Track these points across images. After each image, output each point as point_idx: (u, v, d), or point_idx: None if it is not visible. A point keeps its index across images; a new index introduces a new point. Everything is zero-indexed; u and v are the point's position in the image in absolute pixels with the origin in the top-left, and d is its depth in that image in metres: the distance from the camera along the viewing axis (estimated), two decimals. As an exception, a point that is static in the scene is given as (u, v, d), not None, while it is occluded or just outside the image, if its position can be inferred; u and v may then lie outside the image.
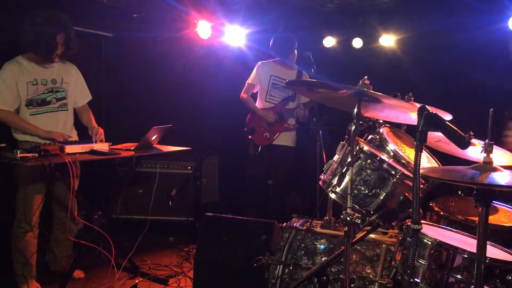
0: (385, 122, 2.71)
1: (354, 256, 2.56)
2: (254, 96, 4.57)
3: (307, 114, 4.36)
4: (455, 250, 1.99)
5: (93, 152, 3.19)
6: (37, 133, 3.22)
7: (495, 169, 1.79)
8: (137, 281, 3.38)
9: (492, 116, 1.84)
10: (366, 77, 2.10)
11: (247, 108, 4.53)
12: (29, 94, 3.22)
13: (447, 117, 2.50)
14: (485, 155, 1.83)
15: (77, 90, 3.52)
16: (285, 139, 4.47)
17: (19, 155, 2.79)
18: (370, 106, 2.23)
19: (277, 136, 4.43)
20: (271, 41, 4.47)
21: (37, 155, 2.87)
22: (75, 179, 3.06)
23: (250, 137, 4.48)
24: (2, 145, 2.87)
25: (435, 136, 2.39)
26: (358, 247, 2.59)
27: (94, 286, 3.40)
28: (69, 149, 3.04)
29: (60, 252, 3.54)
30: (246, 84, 4.51)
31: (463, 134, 1.70)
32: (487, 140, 1.82)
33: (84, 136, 3.51)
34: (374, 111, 2.35)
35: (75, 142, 3.19)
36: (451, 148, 2.52)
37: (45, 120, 3.29)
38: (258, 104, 4.52)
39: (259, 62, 4.52)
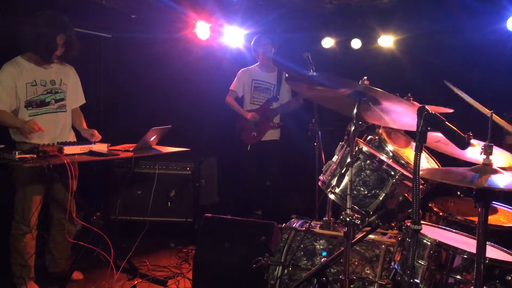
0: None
1: (355, 256, 2.56)
2: (241, 100, 4.81)
3: (301, 101, 4.61)
4: (455, 250, 1.98)
5: (91, 153, 3.18)
6: (15, 124, 3.14)
7: (494, 171, 1.79)
8: (136, 282, 3.38)
9: (491, 117, 1.84)
10: (365, 77, 2.10)
11: (233, 110, 4.77)
12: (28, 95, 3.21)
13: (449, 111, 2.51)
14: (484, 156, 1.83)
15: (72, 92, 3.51)
16: (271, 134, 4.75)
17: (17, 156, 2.78)
18: (370, 107, 2.23)
19: (264, 134, 4.71)
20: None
21: (35, 156, 2.86)
22: (73, 180, 3.06)
23: (240, 137, 4.73)
24: (1, 146, 2.86)
25: (434, 137, 2.38)
26: (357, 248, 2.58)
27: (93, 288, 3.40)
28: (67, 150, 3.04)
29: (58, 254, 3.53)
30: (229, 90, 4.78)
31: (463, 135, 1.70)
32: (486, 142, 1.82)
33: (82, 137, 3.51)
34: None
35: (73, 143, 3.18)
36: (451, 148, 2.52)
37: (44, 121, 3.27)
38: (244, 107, 4.78)
39: (240, 70, 4.79)
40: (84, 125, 3.57)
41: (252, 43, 4.70)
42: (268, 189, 4.92)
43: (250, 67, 4.80)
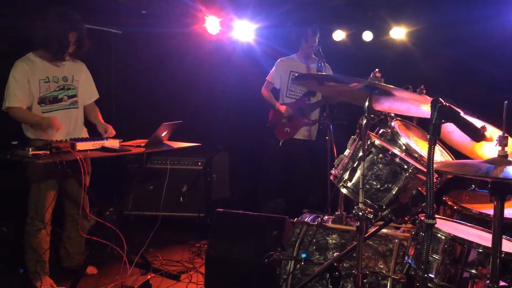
0: (397, 115, 2.68)
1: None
2: (277, 92, 4.62)
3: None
4: (470, 244, 1.96)
5: (104, 149, 3.20)
6: (34, 120, 3.19)
7: (510, 163, 1.75)
8: (149, 276, 3.40)
9: (506, 108, 1.80)
10: (377, 70, 2.07)
11: (262, 103, 4.61)
12: (41, 92, 3.24)
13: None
14: (500, 148, 1.79)
15: (85, 88, 3.53)
16: (306, 133, 4.53)
17: (30, 152, 2.81)
18: (382, 99, 2.21)
19: (297, 131, 4.50)
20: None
21: (48, 152, 2.89)
22: (86, 176, 3.08)
23: (273, 132, 4.53)
24: (14, 143, 2.89)
25: (448, 127, 2.34)
26: (370, 242, 2.56)
27: (107, 282, 3.42)
28: (80, 146, 3.06)
29: (72, 249, 3.56)
30: (266, 80, 4.59)
31: (477, 127, 1.67)
32: (501, 133, 1.79)
33: (94, 133, 3.53)
34: (385, 105, 2.32)
35: (86, 139, 3.20)
36: (461, 140, 2.48)
37: (58, 118, 3.30)
38: (280, 100, 4.57)
39: (279, 59, 4.58)
40: (100, 118, 3.59)
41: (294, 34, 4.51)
42: (288, 184, 4.80)
43: (289, 56, 4.59)
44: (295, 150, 4.55)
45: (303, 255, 2.57)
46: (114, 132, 3.48)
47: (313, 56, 4.47)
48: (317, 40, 4.40)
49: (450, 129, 2.45)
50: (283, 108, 4.42)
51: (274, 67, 4.57)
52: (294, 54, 4.58)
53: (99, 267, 3.64)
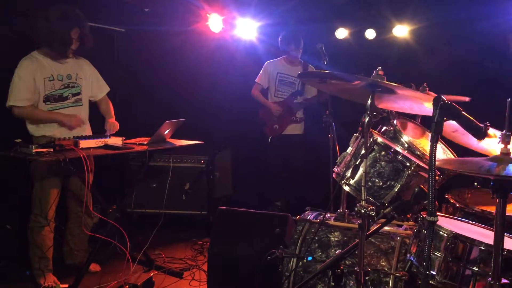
0: (399, 113, 2.68)
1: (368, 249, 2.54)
2: (266, 92, 4.84)
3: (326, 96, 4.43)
4: (472, 242, 1.96)
5: (107, 146, 3.21)
6: (56, 118, 3.27)
7: (513, 160, 1.75)
8: (152, 274, 3.41)
9: (509, 106, 1.80)
10: (379, 68, 2.07)
11: (258, 102, 4.82)
12: (47, 90, 3.25)
13: (465, 99, 2.46)
14: (502, 145, 1.79)
15: (93, 83, 3.55)
16: (294, 128, 4.76)
17: (34, 150, 2.82)
18: (384, 97, 2.21)
19: (285, 127, 4.73)
20: (280, 37, 4.71)
21: (52, 150, 2.90)
22: (89, 174, 3.09)
23: (263, 130, 4.77)
24: (18, 140, 2.90)
25: (451, 127, 2.35)
26: (372, 240, 2.57)
27: (110, 279, 3.43)
28: (83, 143, 3.07)
29: (76, 246, 3.58)
30: (255, 83, 4.81)
31: (480, 124, 1.67)
32: (504, 131, 1.79)
33: (98, 130, 3.54)
34: (388, 102, 2.32)
35: (89, 137, 3.21)
36: (467, 140, 2.48)
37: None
38: (269, 100, 4.80)
39: (266, 62, 4.80)
40: (112, 113, 3.61)
41: (279, 40, 4.66)
42: (288, 181, 4.91)
43: (276, 59, 4.81)
44: (290, 146, 4.76)
45: (309, 258, 2.59)
46: (117, 128, 3.49)
47: (299, 59, 4.71)
48: (300, 50, 4.62)
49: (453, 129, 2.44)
50: (274, 108, 4.68)
51: (262, 69, 4.79)
52: (281, 57, 4.78)
53: (102, 264, 3.66)
